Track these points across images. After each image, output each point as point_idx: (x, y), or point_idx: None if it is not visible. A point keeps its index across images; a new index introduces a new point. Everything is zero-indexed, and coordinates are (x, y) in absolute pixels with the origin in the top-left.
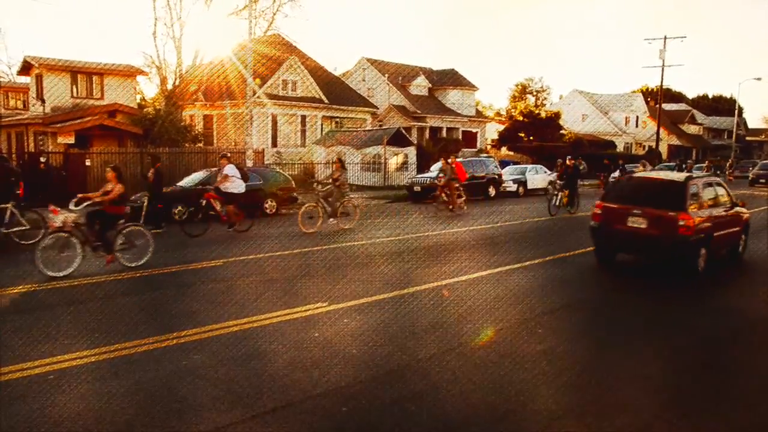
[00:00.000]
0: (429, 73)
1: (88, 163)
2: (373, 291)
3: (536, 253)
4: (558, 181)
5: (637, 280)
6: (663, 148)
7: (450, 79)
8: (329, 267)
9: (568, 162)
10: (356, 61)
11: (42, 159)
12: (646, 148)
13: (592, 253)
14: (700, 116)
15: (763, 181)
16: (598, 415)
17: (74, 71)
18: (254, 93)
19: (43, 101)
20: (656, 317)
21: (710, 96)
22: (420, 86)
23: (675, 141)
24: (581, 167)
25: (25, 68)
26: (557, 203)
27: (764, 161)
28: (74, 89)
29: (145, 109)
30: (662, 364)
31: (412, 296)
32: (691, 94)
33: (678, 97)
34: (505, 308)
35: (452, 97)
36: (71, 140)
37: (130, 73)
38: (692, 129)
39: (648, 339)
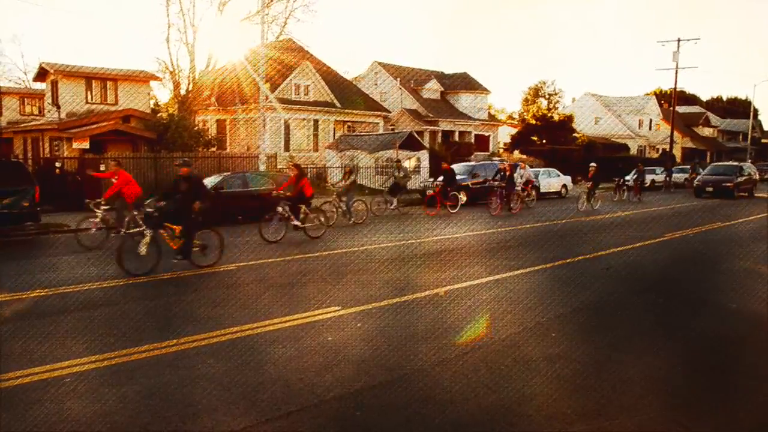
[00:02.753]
0: (441, 77)
1: (102, 168)
2: (386, 295)
3: (546, 256)
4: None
5: (649, 281)
6: (677, 151)
7: (462, 82)
8: (341, 271)
9: (291, 167)
10: (368, 65)
11: (57, 164)
12: (660, 151)
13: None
14: (714, 119)
15: (710, 189)
16: (613, 417)
17: (89, 77)
18: (267, 98)
19: (59, 107)
20: (668, 319)
21: (725, 98)
22: (432, 90)
23: (689, 144)
24: (349, 178)
25: (41, 74)
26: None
27: (715, 163)
28: (89, 95)
29: (158, 114)
30: (675, 366)
31: (424, 300)
32: (705, 97)
33: (692, 100)
34: (518, 312)
35: (464, 101)
36: (86, 145)
37: (143, 78)
38: (706, 132)
39: (660, 341)
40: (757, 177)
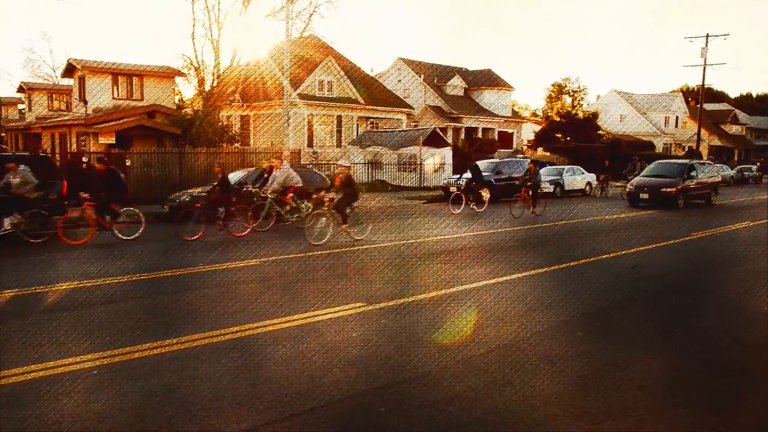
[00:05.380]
0: (464, 74)
1: (128, 162)
2: (411, 292)
3: (573, 254)
4: None
5: (676, 281)
6: (704, 149)
7: (486, 79)
8: (365, 268)
9: None
10: (392, 61)
11: (84, 159)
12: (686, 149)
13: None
14: (742, 116)
15: (646, 196)
16: (641, 418)
17: (115, 73)
18: (290, 94)
19: (86, 102)
20: (695, 320)
21: (754, 95)
22: (455, 86)
23: (716, 142)
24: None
25: (69, 71)
26: None
27: (659, 161)
28: (115, 90)
29: (183, 110)
30: (701, 367)
31: (449, 297)
32: (733, 94)
33: (720, 97)
34: (544, 310)
35: (488, 98)
36: (112, 140)
37: (168, 74)
38: (734, 129)
39: (686, 342)
40: (719, 179)
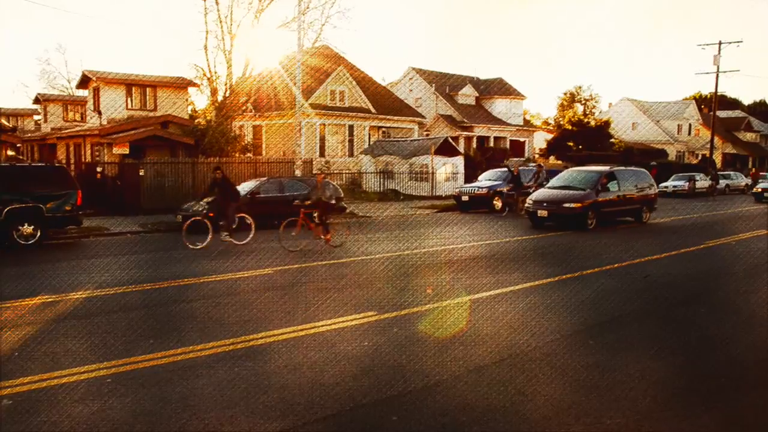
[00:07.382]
0: (476, 82)
1: (141, 173)
2: (423, 300)
3: (586, 263)
4: None
5: (687, 291)
6: (717, 157)
7: (497, 87)
8: (377, 276)
9: None
10: (403, 71)
11: (98, 169)
12: (699, 157)
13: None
14: (756, 123)
15: (545, 214)
16: (656, 430)
17: (129, 84)
18: (302, 104)
19: (100, 113)
20: (708, 330)
21: None
22: (467, 95)
23: (730, 149)
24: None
25: (84, 82)
26: None
27: (573, 169)
28: (129, 101)
29: (196, 120)
30: (718, 379)
31: (460, 306)
32: (747, 101)
33: (733, 104)
34: (556, 320)
35: (499, 106)
36: (126, 151)
37: (182, 85)
38: (748, 136)
39: (701, 353)
40: (653, 191)
